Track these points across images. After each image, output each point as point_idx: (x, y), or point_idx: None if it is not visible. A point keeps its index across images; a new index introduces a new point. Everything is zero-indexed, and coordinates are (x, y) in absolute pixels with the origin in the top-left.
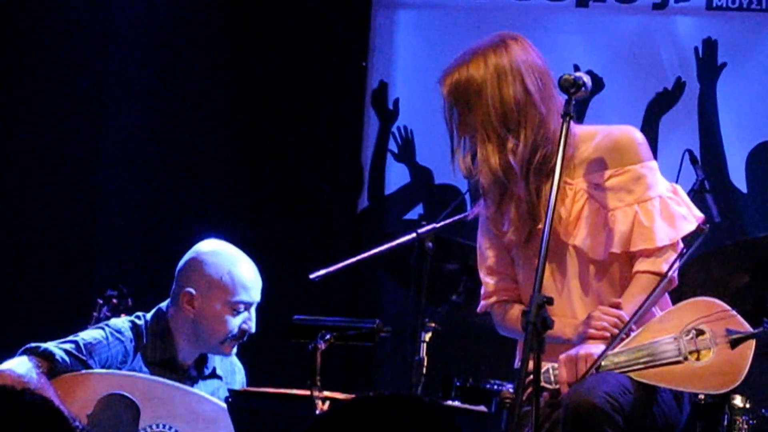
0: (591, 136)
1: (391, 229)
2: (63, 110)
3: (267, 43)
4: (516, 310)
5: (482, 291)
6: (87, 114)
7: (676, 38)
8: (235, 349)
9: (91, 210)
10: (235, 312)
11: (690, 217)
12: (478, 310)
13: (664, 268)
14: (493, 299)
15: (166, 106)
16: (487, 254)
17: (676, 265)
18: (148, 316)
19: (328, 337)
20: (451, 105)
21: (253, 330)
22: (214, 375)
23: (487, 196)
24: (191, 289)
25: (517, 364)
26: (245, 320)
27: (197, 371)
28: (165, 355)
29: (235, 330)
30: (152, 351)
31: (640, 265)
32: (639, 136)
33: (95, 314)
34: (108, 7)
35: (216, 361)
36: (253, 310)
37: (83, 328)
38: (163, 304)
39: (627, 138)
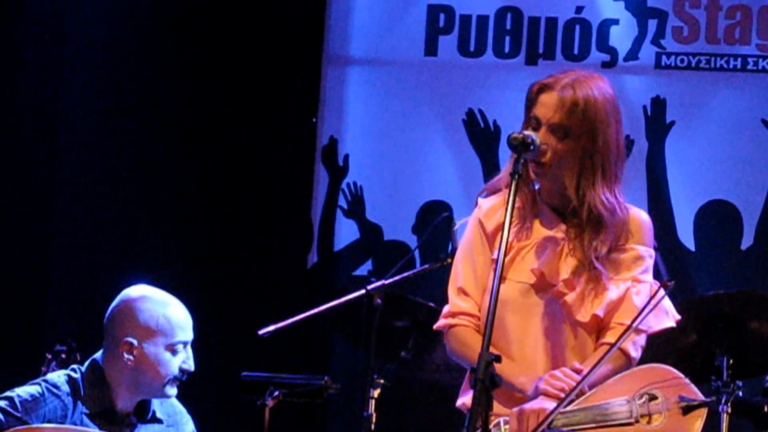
0: None
1: (341, 285)
2: (14, 159)
3: (218, 98)
4: (475, 341)
5: (445, 309)
6: (39, 158)
7: (624, 96)
8: (175, 390)
9: (42, 265)
10: (174, 352)
11: (671, 315)
12: (435, 327)
13: (630, 348)
14: (454, 321)
15: (116, 160)
16: (462, 274)
17: (629, 332)
18: (83, 368)
19: (276, 393)
20: (549, 112)
21: (193, 368)
22: (154, 419)
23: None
24: (130, 339)
25: (459, 402)
26: (184, 360)
27: (137, 417)
28: (103, 406)
29: (176, 371)
30: (91, 403)
31: (608, 337)
32: (648, 221)
33: (44, 369)
34: (61, 27)
35: (155, 405)
36: (189, 348)
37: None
38: (97, 355)
39: (638, 219)
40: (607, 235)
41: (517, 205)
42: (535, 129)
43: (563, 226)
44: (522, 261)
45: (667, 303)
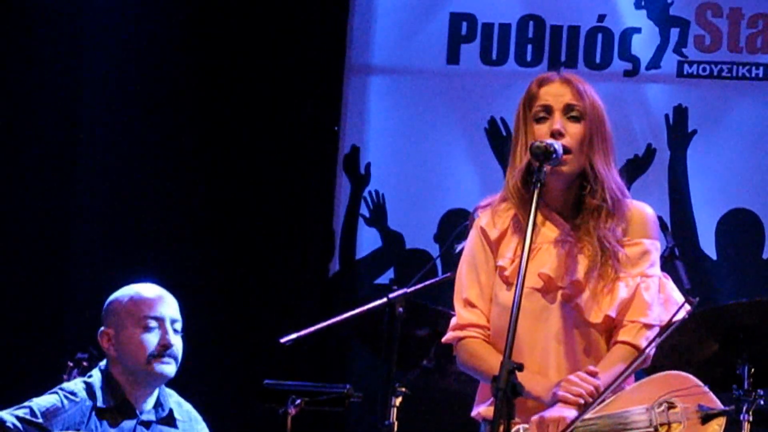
0: None
1: (362, 294)
2: (33, 168)
3: (240, 106)
4: (485, 352)
5: (453, 322)
6: (58, 165)
7: (647, 105)
8: (169, 367)
9: (62, 272)
10: (148, 329)
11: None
12: (443, 340)
13: (643, 344)
14: (463, 333)
15: (137, 168)
16: (467, 286)
17: (656, 340)
18: (96, 372)
19: (298, 402)
20: (558, 97)
21: (172, 342)
22: (171, 419)
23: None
24: (106, 329)
25: (475, 412)
26: (162, 335)
27: (153, 416)
28: (117, 402)
29: (153, 346)
30: (106, 400)
31: (622, 336)
32: (652, 214)
33: (65, 377)
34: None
35: (173, 405)
36: (169, 326)
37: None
38: (102, 363)
39: (642, 212)
40: (621, 218)
41: (516, 211)
42: (544, 120)
43: (568, 227)
44: (528, 266)
45: (677, 295)
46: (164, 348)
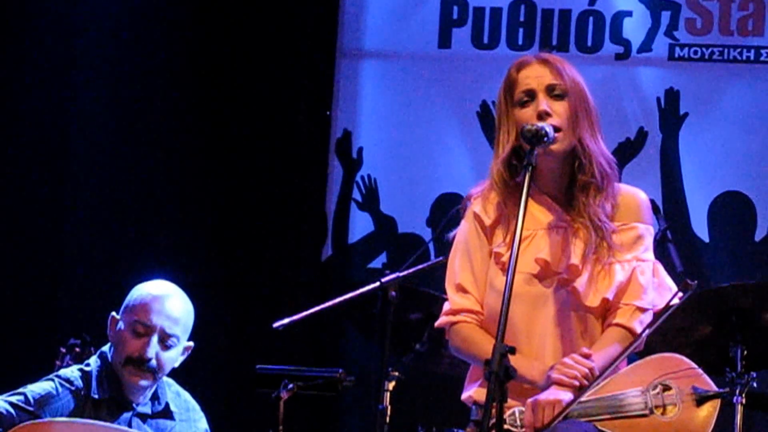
0: None
1: (355, 278)
2: (27, 155)
3: (232, 92)
4: (479, 336)
5: (445, 307)
6: (51, 154)
7: (638, 88)
8: (142, 380)
9: (55, 259)
10: (134, 333)
11: (673, 291)
12: (436, 324)
13: (637, 327)
14: (456, 318)
15: (129, 154)
16: (460, 272)
17: (654, 324)
18: (94, 359)
19: (291, 386)
20: (539, 79)
21: (150, 356)
22: (167, 412)
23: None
24: (114, 314)
25: (465, 395)
26: (144, 345)
27: (149, 408)
28: (113, 393)
29: (133, 351)
30: (101, 392)
31: (616, 318)
32: (646, 199)
33: (58, 363)
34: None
35: (169, 398)
36: (156, 338)
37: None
38: (105, 348)
39: (635, 197)
40: (609, 194)
41: (501, 199)
42: (528, 103)
43: (560, 211)
44: (524, 251)
45: (669, 280)
46: (141, 359)
